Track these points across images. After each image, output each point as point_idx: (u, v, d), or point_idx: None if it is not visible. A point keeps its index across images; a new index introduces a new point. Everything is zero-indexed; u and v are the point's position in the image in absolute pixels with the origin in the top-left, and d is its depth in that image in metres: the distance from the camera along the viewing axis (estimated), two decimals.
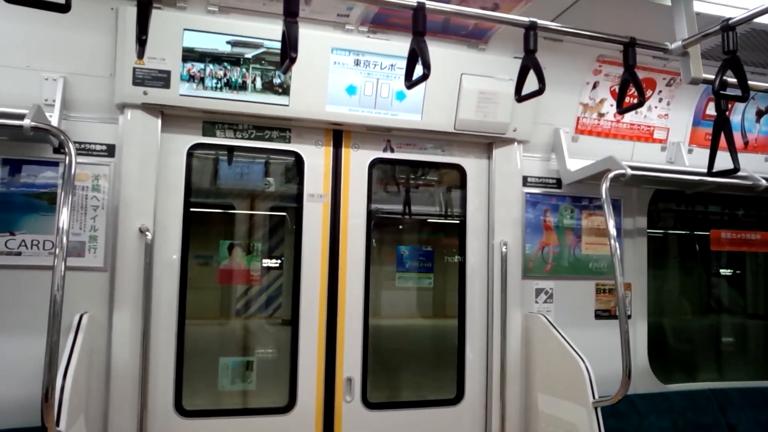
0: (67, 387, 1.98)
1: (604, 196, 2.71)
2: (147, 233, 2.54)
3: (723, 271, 5.22)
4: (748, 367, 5.00)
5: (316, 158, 2.97)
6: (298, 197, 2.98)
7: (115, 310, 2.52)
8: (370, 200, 3.05)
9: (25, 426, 2.31)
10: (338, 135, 3.01)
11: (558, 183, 3.25)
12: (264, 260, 3.18)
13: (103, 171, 2.57)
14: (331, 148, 3.00)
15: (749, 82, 2.02)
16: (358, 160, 3.04)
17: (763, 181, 3.20)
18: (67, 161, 2.01)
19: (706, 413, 3.43)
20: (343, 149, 3.02)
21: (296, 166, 3.00)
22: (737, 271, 5.27)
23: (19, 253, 2.45)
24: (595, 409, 2.61)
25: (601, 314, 3.27)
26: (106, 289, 2.54)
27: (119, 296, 2.52)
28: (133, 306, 2.52)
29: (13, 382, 2.36)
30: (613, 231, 2.68)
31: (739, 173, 2.98)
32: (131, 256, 2.53)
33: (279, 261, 3.23)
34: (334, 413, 2.90)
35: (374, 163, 3.08)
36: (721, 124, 2.22)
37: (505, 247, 3.04)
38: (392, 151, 3.09)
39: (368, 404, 2.98)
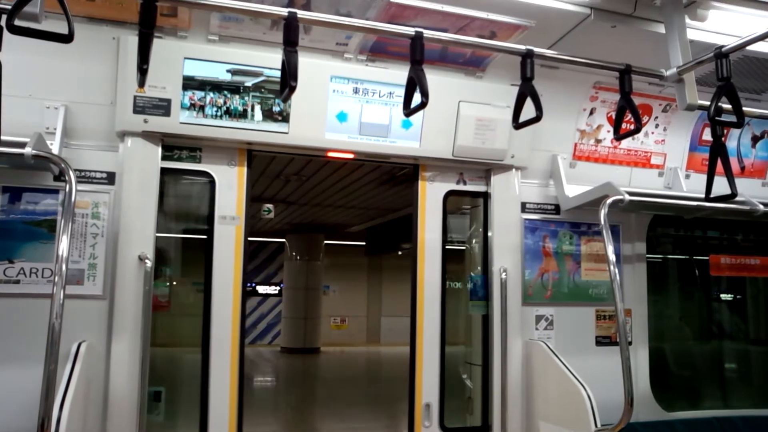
0: (64, 417, 1.96)
1: (602, 221, 2.71)
2: (146, 261, 2.54)
3: (723, 296, 5.20)
4: (752, 394, 4.95)
5: None
6: None
7: (114, 338, 2.50)
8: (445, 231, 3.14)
9: None
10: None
11: (556, 209, 3.25)
12: None
13: (103, 198, 2.58)
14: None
15: (744, 108, 2.04)
16: None
17: (761, 206, 3.21)
18: (67, 189, 2.02)
19: None
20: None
21: None
22: (738, 296, 5.25)
23: (17, 281, 2.44)
24: None
25: (602, 341, 3.24)
26: (104, 317, 2.52)
27: (118, 324, 2.51)
28: (132, 334, 2.51)
29: (10, 412, 2.33)
30: (612, 257, 2.68)
31: (737, 198, 3.00)
32: (130, 284, 2.53)
33: None
34: None
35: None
36: (718, 150, 2.23)
37: (504, 273, 3.03)
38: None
39: (444, 429, 3.04)
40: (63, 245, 1.94)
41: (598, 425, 2.59)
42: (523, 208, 3.18)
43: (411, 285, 3.12)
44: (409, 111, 1.92)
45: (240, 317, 2.83)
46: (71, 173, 2.05)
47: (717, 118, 2.03)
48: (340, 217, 14.80)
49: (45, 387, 1.80)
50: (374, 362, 18.67)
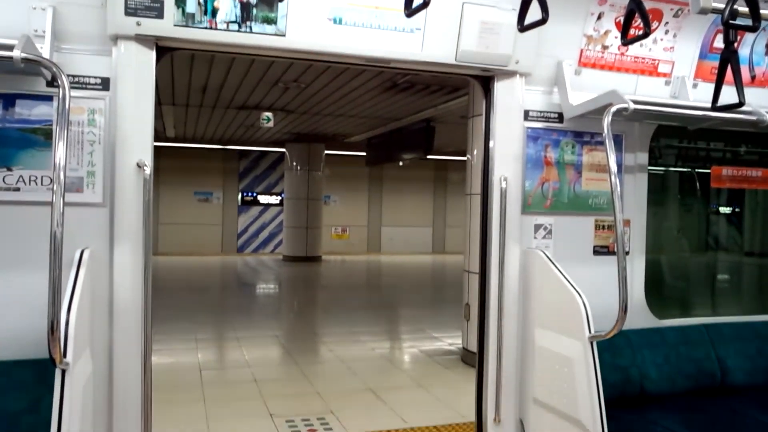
0: (72, 320, 2.01)
1: (605, 130, 2.67)
2: (145, 168, 2.52)
3: (722, 209, 5.25)
4: (740, 303, 5.11)
5: None
6: None
7: (116, 245, 2.53)
8: None
9: (34, 358, 2.36)
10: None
11: (560, 117, 3.20)
12: None
13: (98, 105, 2.53)
14: None
15: (762, 11, 1.96)
16: None
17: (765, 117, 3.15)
18: (60, 94, 1.97)
19: (698, 347, 3.51)
20: None
21: None
22: (736, 210, 5.30)
23: (17, 189, 2.44)
24: (591, 343, 2.65)
25: (600, 250, 3.28)
26: (106, 224, 2.54)
27: (119, 232, 2.53)
28: (134, 241, 2.53)
29: (20, 315, 2.39)
30: (613, 166, 2.66)
31: (744, 108, 2.94)
32: (130, 192, 2.53)
33: None
34: None
35: None
36: (729, 57, 2.17)
37: (504, 182, 3.02)
38: None
39: None
40: (60, 153, 1.92)
41: (592, 332, 2.66)
42: (526, 116, 3.13)
43: None
44: (410, 11, 1.85)
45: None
46: (64, 78, 1.99)
47: (731, 21, 1.95)
48: (340, 127, 14.66)
49: (51, 292, 1.83)
50: (374, 270, 19.07)
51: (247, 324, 9.02)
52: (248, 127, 14.73)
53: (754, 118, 3.14)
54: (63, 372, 1.91)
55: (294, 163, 18.94)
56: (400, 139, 14.20)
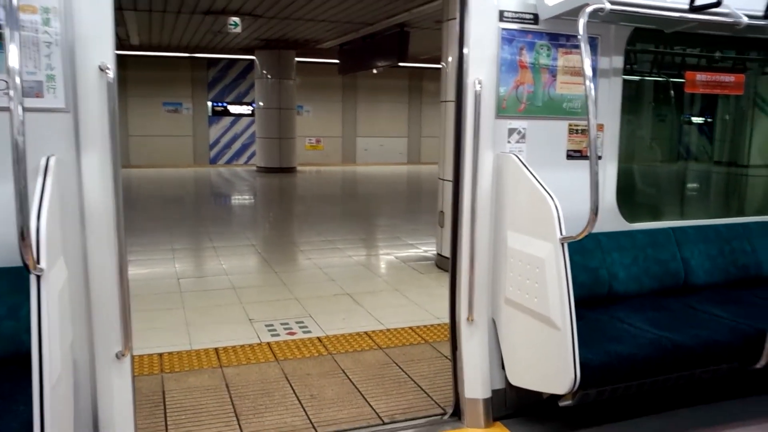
0: (43, 226, 1.98)
1: (581, 32, 2.61)
2: (108, 71, 2.42)
3: (694, 119, 5.29)
4: (707, 208, 5.26)
5: None
6: None
7: (83, 152, 2.46)
8: None
9: (8, 266, 2.35)
10: None
11: (535, 19, 3.10)
12: None
13: (51, 3, 2.37)
14: None
15: None
16: None
17: (745, 18, 3.10)
18: None
19: (665, 249, 3.63)
20: None
21: None
22: (708, 120, 5.35)
23: None
24: (562, 245, 2.70)
25: (573, 155, 3.28)
26: (71, 131, 2.46)
27: (85, 138, 2.45)
28: (101, 148, 2.46)
29: None
30: (588, 70, 2.62)
31: (721, 9, 2.89)
32: (93, 97, 2.43)
33: None
34: None
35: None
36: None
37: (479, 85, 2.98)
38: None
39: None
40: (13, 55, 1.82)
41: (563, 234, 2.71)
42: (501, 16, 3.03)
43: None
44: None
45: None
46: None
47: None
48: (311, 32, 14.21)
49: (18, 200, 1.80)
50: (350, 181, 19.10)
51: (224, 234, 9.06)
52: (215, 33, 14.21)
53: (730, 20, 3.09)
54: (38, 278, 1.90)
55: (264, 72, 18.44)
56: (374, 45, 13.85)
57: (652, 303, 3.43)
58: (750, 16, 3.13)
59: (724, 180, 5.39)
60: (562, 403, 2.81)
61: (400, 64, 13.66)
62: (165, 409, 3.29)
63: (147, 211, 11.24)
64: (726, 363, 3.16)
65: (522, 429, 3.14)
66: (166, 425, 3.11)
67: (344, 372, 3.83)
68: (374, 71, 17.91)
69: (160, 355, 4.06)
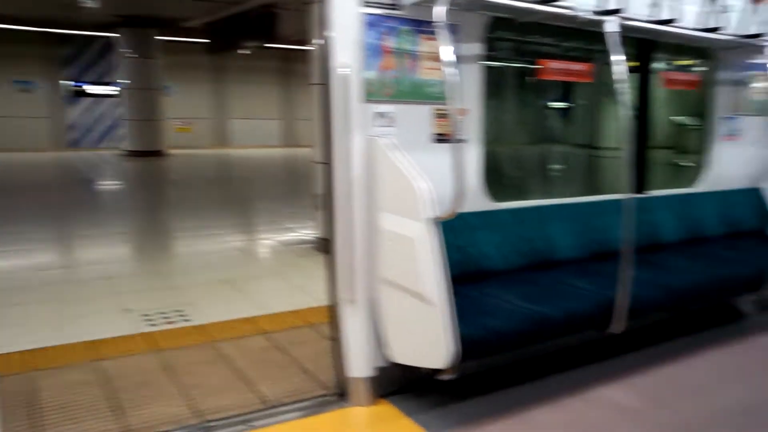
0: None
1: (438, 18, 2.71)
2: None
3: (556, 104, 5.68)
4: (569, 188, 5.69)
5: None
6: None
7: None
8: None
9: None
10: None
11: (397, 4, 3.15)
12: None
13: None
14: None
15: None
16: None
17: (581, 12, 3.37)
18: None
19: (530, 226, 3.88)
20: None
21: None
22: (571, 105, 5.77)
23: None
24: (432, 224, 2.82)
25: (440, 138, 3.39)
26: None
27: None
28: None
29: None
30: (447, 56, 2.73)
31: (568, 3, 3.13)
32: None
33: None
34: None
35: None
36: None
37: (344, 70, 3.01)
38: None
39: None
40: None
41: (433, 214, 2.83)
42: (363, 0, 3.05)
43: None
44: None
45: None
46: None
47: None
48: (175, 10, 13.58)
49: None
50: (224, 165, 18.62)
51: (92, 222, 8.57)
52: (66, 6, 13.14)
53: (573, 13, 3.34)
54: None
55: (128, 50, 17.41)
56: (242, 25, 13.48)
57: (521, 278, 3.66)
58: (596, 12, 3.41)
59: (581, 161, 5.84)
60: (443, 377, 2.93)
61: (271, 45, 13.41)
62: (39, 408, 3.11)
63: (2, 200, 10.35)
64: (588, 330, 3.47)
65: (407, 404, 3.26)
66: (42, 425, 2.95)
67: (228, 359, 3.80)
68: (245, 52, 17.46)
69: (32, 351, 3.82)
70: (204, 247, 7.11)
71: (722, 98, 5.06)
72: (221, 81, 23.46)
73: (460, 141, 2.74)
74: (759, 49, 4.46)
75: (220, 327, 4.36)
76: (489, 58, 3.68)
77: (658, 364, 3.84)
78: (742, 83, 5.10)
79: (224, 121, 24.03)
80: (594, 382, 3.57)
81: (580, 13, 3.36)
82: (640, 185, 4.70)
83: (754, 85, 5.14)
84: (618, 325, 3.42)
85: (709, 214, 4.94)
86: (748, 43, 4.37)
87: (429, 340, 2.87)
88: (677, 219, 4.71)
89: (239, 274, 5.92)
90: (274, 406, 3.23)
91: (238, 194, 12.40)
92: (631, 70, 4.64)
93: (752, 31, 4.32)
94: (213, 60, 21.56)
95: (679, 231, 4.70)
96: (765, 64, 4.78)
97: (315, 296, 5.11)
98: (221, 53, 18.33)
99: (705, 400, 3.41)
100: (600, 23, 3.41)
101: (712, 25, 4.07)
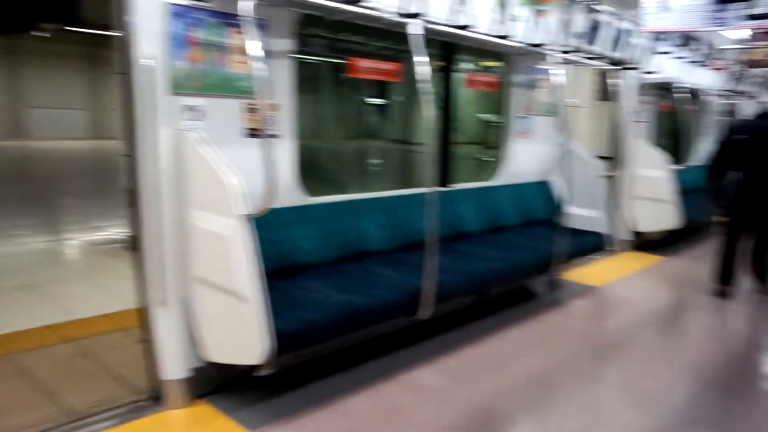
0: None
1: (244, 12, 2.71)
2: None
3: (373, 101, 5.89)
4: (384, 182, 5.94)
5: None
6: None
7: None
8: None
9: None
10: None
11: None
12: None
13: None
14: None
15: None
16: None
17: (387, 15, 3.55)
18: None
19: (343, 220, 4.01)
20: None
21: None
22: (388, 102, 6.00)
23: None
24: (244, 220, 2.80)
25: (252, 133, 3.37)
26: None
27: None
28: None
29: None
30: (253, 50, 2.73)
31: (372, 4, 3.26)
32: None
33: None
34: None
35: None
36: None
37: (148, 61, 2.89)
38: None
39: None
40: None
41: (245, 210, 2.81)
42: None
43: None
44: None
45: None
46: None
47: None
48: None
49: None
50: (22, 158, 16.82)
51: None
52: None
53: (379, 14, 3.50)
54: None
55: None
56: (37, 4, 12.23)
57: (335, 269, 3.77)
58: (400, 14, 3.60)
59: (396, 156, 6.12)
60: (260, 373, 2.94)
61: (72, 28, 12.32)
62: None
63: None
64: (398, 316, 3.67)
65: (225, 403, 3.24)
66: None
67: (27, 372, 3.48)
68: (44, 35, 15.86)
69: None
70: (4, 248, 6.41)
71: (516, 99, 5.59)
72: (14, 65, 21.06)
73: (271, 136, 2.74)
74: (543, 57, 4.99)
75: (19, 337, 3.98)
76: (303, 54, 3.71)
77: (462, 345, 4.18)
78: (531, 86, 5.68)
79: (20, 110, 21.64)
80: (406, 366, 3.79)
81: (385, 15, 3.53)
82: (445, 179, 5.05)
83: (540, 88, 5.75)
84: (425, 310, 3.66)
85: (507, 205, 5.45)
86: (534, 51, 4.88)
87: (244, 336, 2.87)
88: (479, 210, 5.14)
89: (42, 277, 5.42)
90: (82, 418, 3.04)
91: (40, 191, 11.28)
92: (439, 69, 4.98)
93: (537, 41, 4.83)
94: (5, 42, 19.32)
95: (481, 221, 5.13)
96: (547, 70, 5.37)
97: (126, 298, 4.82)
98: (11, 34, 16.48)
99: (502, 374, 3.78)
100: (404, 25, 3.60)
101: (503, 33, 4.48)
